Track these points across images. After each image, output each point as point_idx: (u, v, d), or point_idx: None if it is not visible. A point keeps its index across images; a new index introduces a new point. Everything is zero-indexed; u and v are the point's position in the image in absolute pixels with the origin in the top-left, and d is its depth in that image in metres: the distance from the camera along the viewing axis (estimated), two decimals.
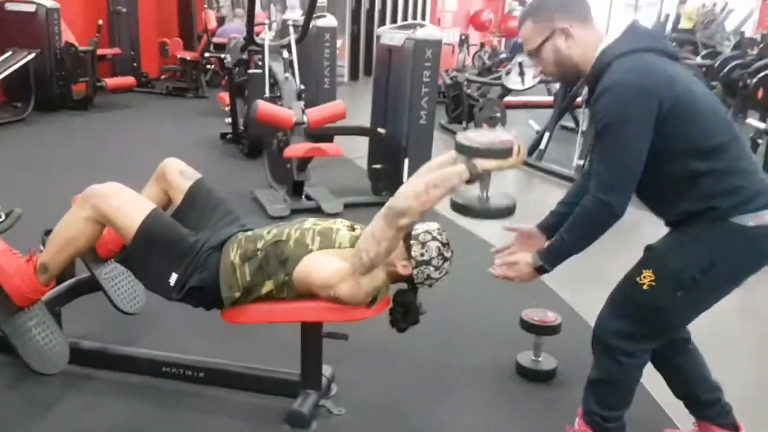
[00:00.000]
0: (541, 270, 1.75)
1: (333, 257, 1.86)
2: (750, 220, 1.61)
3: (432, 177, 1.74)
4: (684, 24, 11.27)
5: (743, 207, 1.61)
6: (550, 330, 2.43)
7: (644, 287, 1.70)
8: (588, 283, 2.83)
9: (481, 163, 1.73)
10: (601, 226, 1.65)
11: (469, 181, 1.76)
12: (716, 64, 7.43)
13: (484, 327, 2.85)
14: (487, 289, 3.25)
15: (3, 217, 2.31)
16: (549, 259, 1.74)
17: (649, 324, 1.74)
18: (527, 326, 2.45)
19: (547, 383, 2.42)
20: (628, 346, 1.75)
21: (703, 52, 9.19)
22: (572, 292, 3.13)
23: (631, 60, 1.60)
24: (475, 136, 1.79)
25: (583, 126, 5.20)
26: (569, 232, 1.70)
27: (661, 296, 1.69)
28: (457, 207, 1.88)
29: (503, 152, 1.74)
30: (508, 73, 7.11)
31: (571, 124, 7.18)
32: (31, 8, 7.05)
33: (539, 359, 2.46)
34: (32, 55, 6.82)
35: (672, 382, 1.98)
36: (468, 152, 1.76)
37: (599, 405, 1.83)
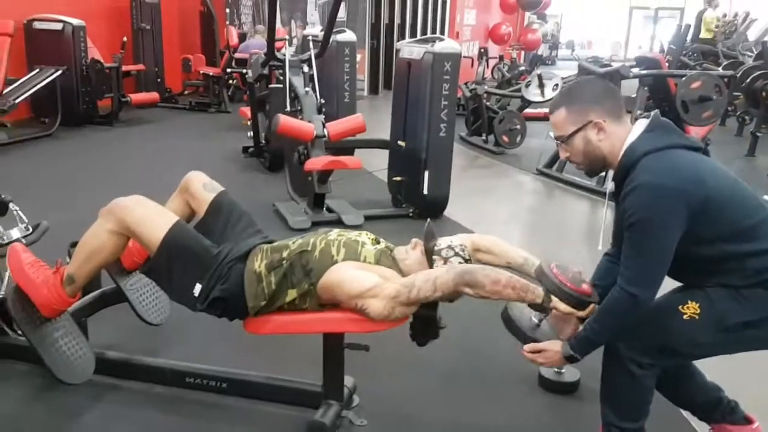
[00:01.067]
0: (571, 359, 1.79)
1: (368, 271, 1.87)
2: None
3: (516, 280, 1.75)
4: (704, 35, 11.19)
5: None
6: None
7: (684, 317, 1.69)
8: None
9: (558, 303, 1.74)
10: (627, 318, 1.69)
11: (535, 307, 1.79)
12: (738, 74, 7.35)
13: (506, 338, 2.82)
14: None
15: (31, 230, 2.35)
16: (579, 349, 1.77)
17: (670, 348, 1.74)
18: None
19: (569, 396, 2.40)
20: (642, 359, 1.74)
21: (725, 63, 9.11)
22: None
23: (659, 159, 1.64)
24: (561, 271, 1.76)
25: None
26: (597, 322, 1.73)
27: (700, 331, 1.69)
28: (507, 320, 1.91)
29: (582, 303, 1.75)
30: (527, 85, 7.11)
31: None
32: (58, 26, 7.22)
33: (562, 371, 2.44)
34: (59, 72, 6.97)
35: (671, 397, 1.99)
36: (549, 285, 1.75)
37: (618, 417, 1.81)
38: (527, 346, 1.85)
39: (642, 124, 1.74)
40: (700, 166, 1.67)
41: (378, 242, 2.02)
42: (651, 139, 1.69)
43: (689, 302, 1.69)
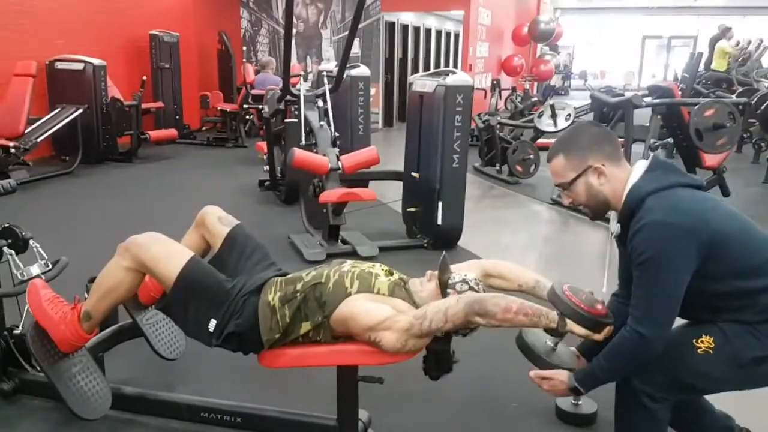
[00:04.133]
0: (575, 390, 1.79)
1: (381, 303, 1.87)
2: None
3: (528, 305, 1.75)
4: (716, 65, 11.13)
5: None
6: None
7: (699, 351, 1.68)
8: None
9: (573, 326, 1.73)
10: (637, 358, 1.68)
11: (550, 331, 1.77)
12: (753, 101, 7.33)
13: (522, 370, 2.80)
14: None
15: (50, 266, 2.39)
16: (584, 383, 1.77)
17: (684, 382, 1.72)
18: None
19: (587, 427, 2.37)
20: (656, 392, 1.73)
21: (739, 90, 9.10)
22: None
23: (664, 198, 1.66)
24: (574, 293, 1.76)
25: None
26: (607, 359, 1.73)
27: (714, 365, 1.68)
28: (523, 346, 1.91)
29: (598, 324, 1.73)
30: (540, 115, 7.15)
31: None
32: (79, 66, 7.40)
33: (579, 403, 2.41)
34: (80, 111, 7.13)
35: (682, 429, 1.96)
36: (562, 307, 1.74)
37: None
38: (532, 373, 1.84)
39: (643, 165, 1.76)
40: (704, 205, 1.68)
41: (391, 273, 2.02)
42: (653, 179, 1.71)
43: (704, 336, 1.68)
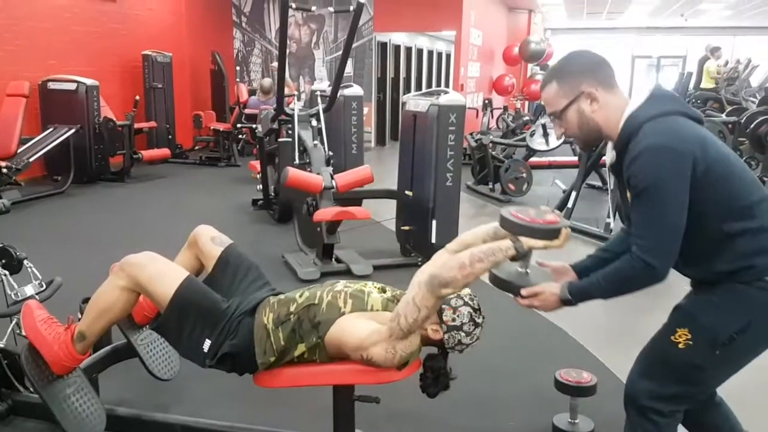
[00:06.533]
0: (566, 302, 1.75)
1: (366, 320, 1.87)
2: None
3: (477, 250, 1.75)
4: (706, 84, 11.28)
5: None
6: (586, 391, 2.38)
7: (680, 346, 1.68)
8: (622, 342, 2.78)
9: (528, 242, 1.73)
10: (640, 286, 1.66)
11: (513, 258, 1.76)
12: (743, 120, 7.42)
13: (520, 389, 2.80)
14: (521, 351, 3.21)
15: (44, 287, 2.38)
16: (578, 296, 1.73)
17: (684, 384, 1.72)
18: (563, 387, 2.41)
19: None
20: (663, 407, 1.72)
21: (729, 109, 9.20)
22: (607, 352, 3.07)
23: (663, 123, 1.61)
24: (521, 213, 1.76)
25: (611, 184, 5.21)
26: (607, 281, 1.69)
27: (699, 355, 1.67)
28: (497, 281, 1.88)
29: (551, 232, 1.73)
30: (532, 134, 7.21)
31: (597, 183, 7.19)
32: (72, 86, 7.41)
33: (576, 421, 2.40)
34: (72, 131, 7.14)
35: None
36: (515, 229, 1.74)
37: None
38: (524, 291, 1.78)
39: (643, 95, 1.70)
40: (703, 134, 1.64)
41: (384, 291, 2.02)
42: (653, 106, 1.66)
43: (678, 330, 1.68)
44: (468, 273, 1.73)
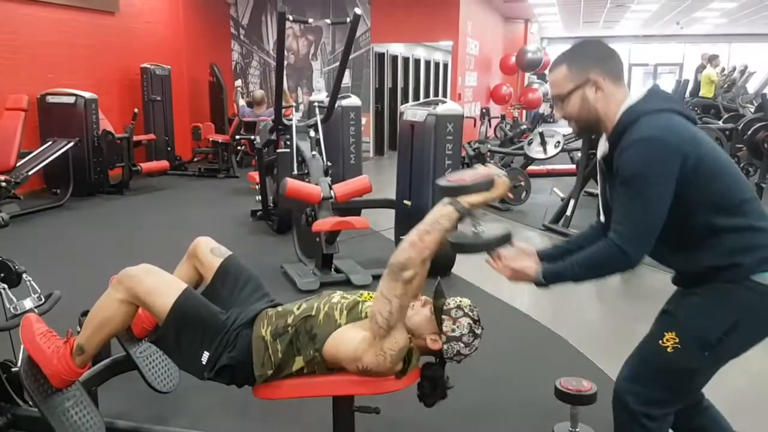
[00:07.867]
0: (539, 285, 1.78)
1: (356, 330, 1.87)
2: None
3: (421, 224, 1.79)
4: (704, 92, 11.29)
5: (765, 265, 1.62)
6: (586, 399, 2.38)
7: (668, 350, 1.69)
8: (622, 350, 2.77)
9: (466, 199, 1.77)
10: (613, 272, 1.71)
11: (459, 219, 1.79)
12: (740, 127, 7.43)
13: (520, 398, 2.79)
14: (521, 359, 3.21)
15: (43, 300, 2.38)
16: (550, 279, 1.77)
17: (673, 386, 1.73)
18: (563, 396, 2.40)
19: None
20: (653, 411, 1.72)
21: (726, 116, 9.23)
22: (607, 360, 3.06)
23: (658, 118, 1.65)
24: (454, 176, 1.84)
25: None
26: (581, 265, 1.72)
27: (688, 358, 1.68)
28: (454, 247, 1.89)
29: (485, 184, 1.79)
30: (530, 143, 7.23)
31: (595, 191, 7.19)
32: (70, 100, 7.43)
33: (577, 430, 2.40)
34: (71, 144, 7.15)
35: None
36: (450, 192, 1.80)
37: None
38: (504, 252, 1.83)
39: (641, 91, 1.74)
40: (696, 132, 1.68)
41: None
42: (651, 101, 1.69)
43: (666, 334, 1.69)
44: (421, 248, 1.76)
